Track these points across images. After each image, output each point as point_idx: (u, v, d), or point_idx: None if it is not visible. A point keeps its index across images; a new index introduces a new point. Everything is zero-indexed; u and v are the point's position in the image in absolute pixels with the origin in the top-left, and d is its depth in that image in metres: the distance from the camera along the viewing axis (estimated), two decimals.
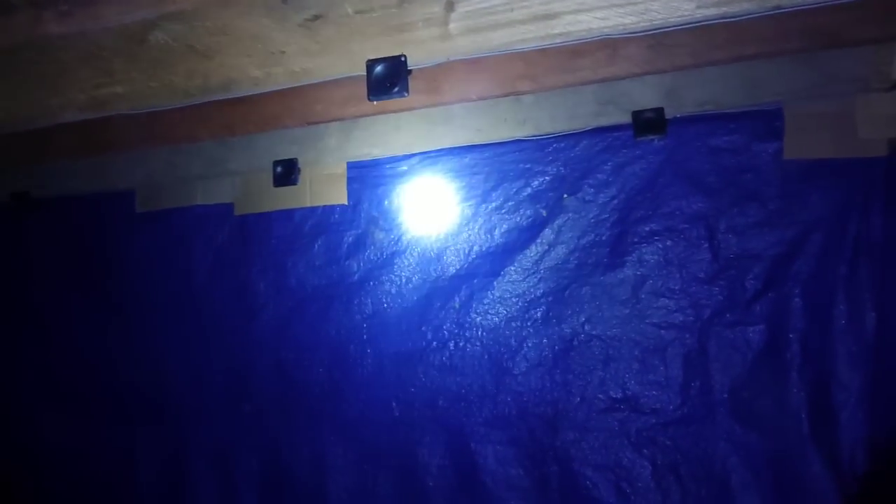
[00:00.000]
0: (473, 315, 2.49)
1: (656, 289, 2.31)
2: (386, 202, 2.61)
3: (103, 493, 2.94)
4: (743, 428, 2.20)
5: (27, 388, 3.10)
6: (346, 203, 2.65)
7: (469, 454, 2.44)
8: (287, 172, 2.56)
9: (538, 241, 2.43)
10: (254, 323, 2.75)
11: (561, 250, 2.41)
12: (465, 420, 2.46)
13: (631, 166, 2.33)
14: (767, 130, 2.18)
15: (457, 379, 2.49)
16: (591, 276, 2.38)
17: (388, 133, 2.48)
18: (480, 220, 2.49)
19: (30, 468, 3.07)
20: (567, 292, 2.40)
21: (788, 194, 2.17)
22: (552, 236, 2.42)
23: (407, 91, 1.53)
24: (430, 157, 2.53)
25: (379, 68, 1.52)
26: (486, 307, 2.48)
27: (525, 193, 2.45)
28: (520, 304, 2.44)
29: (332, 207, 2.66)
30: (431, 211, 2.55)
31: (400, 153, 2.54)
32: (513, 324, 2.45)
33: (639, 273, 2.33)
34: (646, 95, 2.19)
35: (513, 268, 2.46)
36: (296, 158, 2.58)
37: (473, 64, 1.82)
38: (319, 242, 2.69)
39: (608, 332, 2.36)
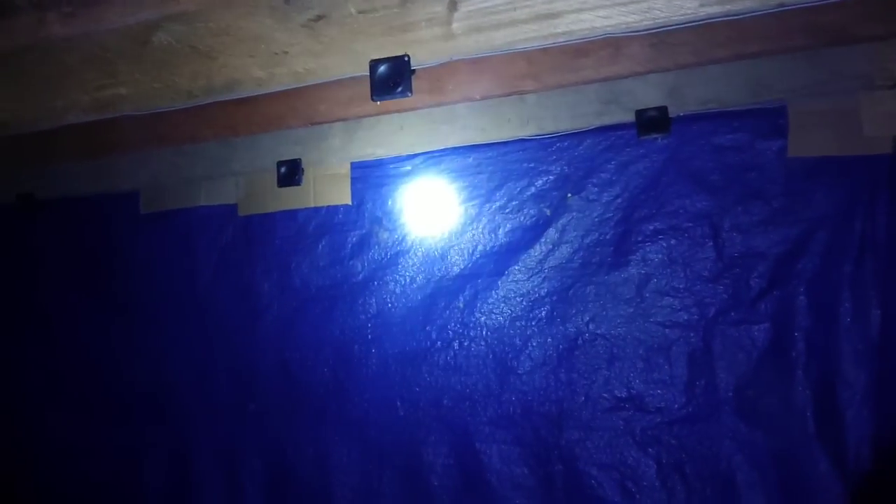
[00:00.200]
0: (478, 314, 2.49)
1: (661, 288, 2.30)
2: (390, 202, 2.61)
3: (108, 494, 2.94)
4: (748, 426, 2.19)
5: (32, 389, 3.11)
6: (349, 203, 2.65)
7: (474, 453, 2.44)
8: (291, 173, 2.56)
9: (542, 240, 2.43)
10: (258, 323, 2.75)
11: (565, 249, 2.41)
12: (469, 419, 2.46)
13: (634, 165, 2.33)
14: (771, 128, 2.17)
15: (461, 378, 2.49)
16: (595, 276, 2.37)
17: (391, 133, 2.48)
18: (484, 220, 2.49)
19: (35, 468, 3.08)
20: (571, 291, 2.40)
21: (793, 192, 2.16)
22: (556, 235, 2.41)
23: (410, 91, 1.53)
24: (434, 156, 2.53)
25: (382, 68, 1.52)
26: (491, 307, 2.48)
27: (529, 193, 2.44)
28: (524, 303, 2.44)
29: (336, 208, 2.67)
30: (435, 211, 2.55)
31: (403, 153, 2.54)
32: (517, 323, 2.45)
33: (643, 272, 2.32)
34: (649, 94, 2.19)
35: (517, 267, 2.45)
36: (299, 159, 2.58)
37: (476, 63, 1.82)
38: (323, 243, 2.69)
39: (613, 331, 2.35)
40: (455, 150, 2.50)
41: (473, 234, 2.52)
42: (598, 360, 2.36)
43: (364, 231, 2.64)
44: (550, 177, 2.42)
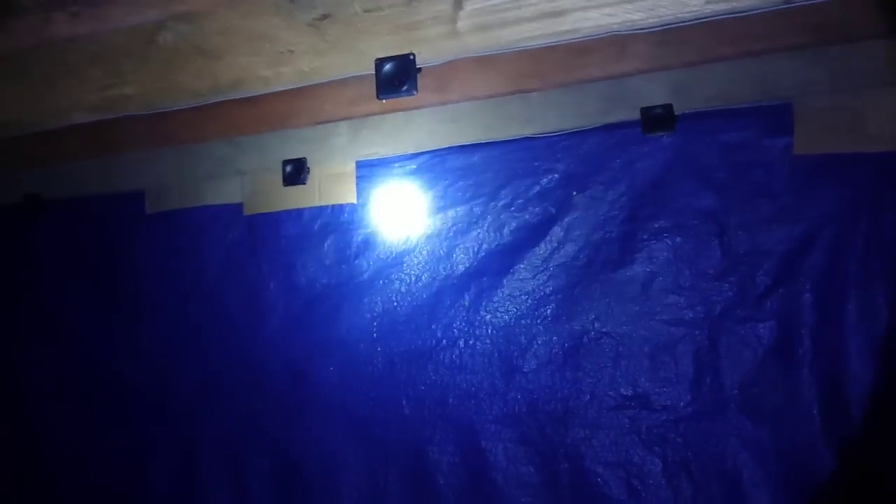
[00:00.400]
0: (483, 313, 2.49)
1: (666, 285, 2.30)
2: (395, 201, 2.61)
3: (115, 493, 2.95)
4: (754, 424, 2.19)
5: (38, 388, 3.12)
6: (355, 202, 2.65)
7: (479, 452, 2.44)
8: (296, 172, 2.57)
9: (547, 238, 2.43)
10: (264, 322, 2.75)
11: (570, 248, 2.40)
12: (475, 418, 2.46)
13: (640, 163, 2.32)
14: (777, 126, 2.16)
15: (467, 377, 2.49)
16: (600, 274, 2.37)
17: (396, 131, 2.48)
18: (489, 218, 2.49)
19: (40, 467, 3.09)
20: (577, 290, 2.39)
21: (799, 190, 2.15)
22: (561, 234, 2.41)
23: (416, 89, 1.53)
24: (439, 155, 2.53)
25: (388, 67, 1.52)
26: (496, 305, 2.48)
27: (534, 191, 2.44)
28: (529, 301, 2.44)
29: (342, 206, 2.67)
30: (440, 209, 2.55)
31: (408, 151, 2.54)
32: (522, 321, 2.44)
33: (648, 270, 2.32)
34: (654, 92, 2.18)
35: (522, 265, 2.45)
36: (305, 158, 2.58)
37: (481, 62, 1.82)
38: (329, 241, 2.69)
39: (618, 330, 2.35)
40: (460, 149, 2.50)
41: (478, 233, 2.52)
42: (604, 359, 2.35)
43: (369, 230, 2.65)
44: (555, 175, 2.41)
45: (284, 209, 2.74)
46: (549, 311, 2.43)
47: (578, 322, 2.39)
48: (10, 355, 3.19)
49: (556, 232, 2.42)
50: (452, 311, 2.53)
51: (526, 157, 2.44)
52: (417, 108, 2.14)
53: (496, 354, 2.47)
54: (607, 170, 2.35)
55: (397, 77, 1.54)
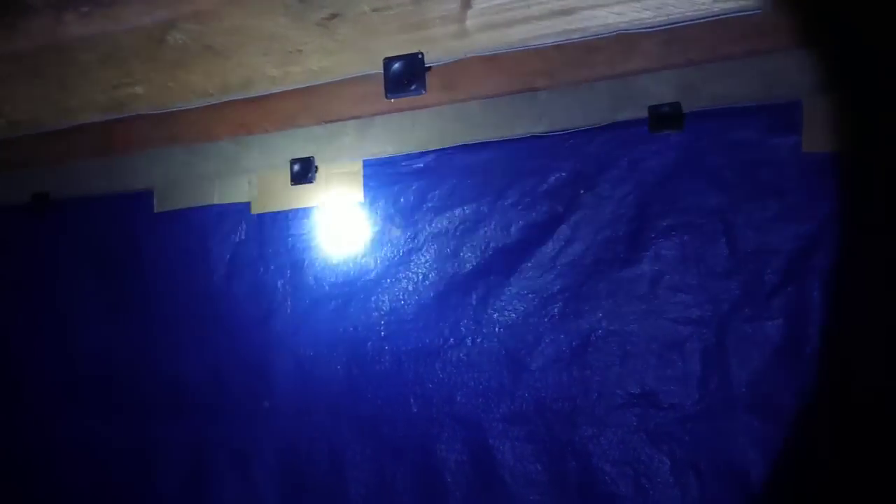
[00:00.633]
0: (490, 311, 2.49)
1: (674, 284, 2.30)
2: (402, 199, 2.62)
3: (123, 490, 2.97)
4: (762, 423, 2.19)
5: (47, 387, 3.14)
6: (362, 201, 2.66)
7: (487, 450, 2.44)
8: (304, 171, 2.58)
9: (554, 237, 2.43)
10: (272, 320, 2.76)
11: (577, 246, 2.41)
12: (482, 416, 2.46)
13: (647, 161, 2.32)
14: (785, 124, 2.16)
15: (474, 375, 2.49)
16: (608, 272, 2.37)
17: (403, 130, 2.48)
18: (497, 217, 2.49)
19: (49, 465, 3.11)
20: (584, 288, 2.39)
21: (807, 188, 2.15)
22: (569, 232, 2.41)
23: (424, 88, 1.54)
24: (446, 153, 2.53)
25: (396, 66, 1.53)
26: (503, 304, 2.48)
27: (541, 189, 2.44)
28: (537, 300, 2.44)
29: (349, 205, 2.67)
30: (447, 208, 2.56)
31: (416, 150, 2.54)
32: (530, 320, 2.45)
33: (656, 268, 2.32)
34: (662, 90, 2.18)
35: (529, 264, 2.45)
36: (312, 157, 2.59)
37: (490, 61, 1.82)
38: (336, 240, 2.70)
39: (625, 328, 2.35)
40: (467, 148, 2.50)
41: (486, 231, 2.52)
42: (611, 357, 2.35)
43: (376, 228, 2.65)
44: (563, 173, 2.41)
45: (292, 208, 2.75)
46: (556, 309, 2.43)
47: (586, 320, 2.39)
48: (19, 354, 3.21)
49: (564, 230, 2.42)
50: (460, 309, 2.53)
51: (533, 155, 2.44)
52: (425, 107, 2.15)
53: (504, 353, 2.47)
54: (615, 168, 2.35)
55: (406, 76, 1.55)
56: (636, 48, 1.86)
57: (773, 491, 2.17)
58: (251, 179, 2.80)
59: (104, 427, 3.01)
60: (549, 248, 2.43)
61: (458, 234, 2.55)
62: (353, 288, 2.67)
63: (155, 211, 2.97)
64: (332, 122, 2.24)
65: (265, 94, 1.78)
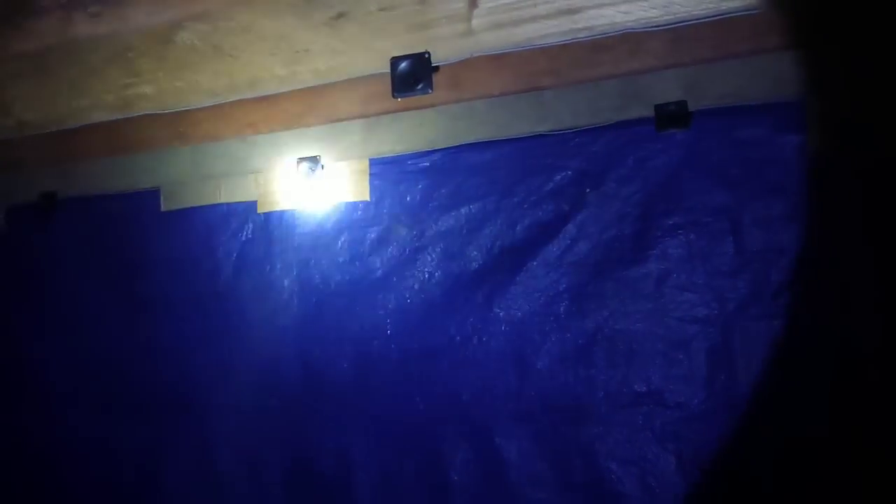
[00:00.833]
0: (496, 310, 2.49)
1: (680, 283, 2.29)
2: (408, 198, 2.62)
3: (130, 489, 2.98)
4: (767, 422, 2.18)
5: (55, 386, 3.15)
6: (368, 199, 2.66)
7: (493, 448, 2.44)
8: (310, 170, 2.58)
9: (560, 236, 2.43)
10: (278, 319, 2.77)
11: (583, 245, 2.41)
12: (489, 415, 2.46)
13: (653, 160, 2.32)
14: (792, 122, 2.16)
15: (480, 374, 2.49)
16: (614, 271, 2.37)
17: (410, 129, 2.49)
18: (503, 216, 2.49)
19: (58, 464, 3.12)
20: (590, 287, 2.39)
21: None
22: (574, 231, 2.41)
23: (431, 87, 1.54)
24: (452, 152, 2.53)
25: (403, 65, 1.54)
26: (509, 302, 2.48)
27: (547, 188, 2.44)
28: (543, 298, 2.44)
29: (355, 204, 2.68)
30: (453, 206, 2.56)
31: (422, 149, 2.54)
32: (536, 319, 2.45)
33: (662, 267, 2.31)
34: (668, 89, 2.18)
35: (535, 263, 2.45)
36: (319, 156, 2.60)
37: (496, 60, 1.83)
38: (343, 239, 2.70)
39: (631, 327, 2.34)
40: (473, 146, 2.50)
41: (491, 230, 2.52)
42: (617, 356, 2.35)
43: (383, 227, 2.65)
44: (569, 172, 2.41)
45: (299, 207, 2.76)
46: (562, 308, 2.43)
47: (592, 319, 2.39)
48: (27, 353, 3.22)
49: (570, 229, 2.42)
50: (466, 308, 2.53)
51: (539, 154, 2.44)
52: (432, 106, 2.15)
53: (510, 352, 2.47)
54: (621, 167, 2.35)
55: (412, 75, 1.56)
56: (642, 47, 1.86)
57: (778, 489, 2.17)
58: (258, 178, 2.81)
59: (111, 425, 3.02)
60: (555, 246, 2.43)
61: (464, 232, 2.55)
62: (360, 287, 2.67)
63: (162, 210, 2.98)
64: (338, 121, 2.24)
65: (272, 93, 1.80)
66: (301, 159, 2.60)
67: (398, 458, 2.57)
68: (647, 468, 2.28)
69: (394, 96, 1.57)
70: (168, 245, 2.98)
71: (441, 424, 2.53)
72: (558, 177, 2.43)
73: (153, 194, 2.98)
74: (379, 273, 2.65)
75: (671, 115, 2.18)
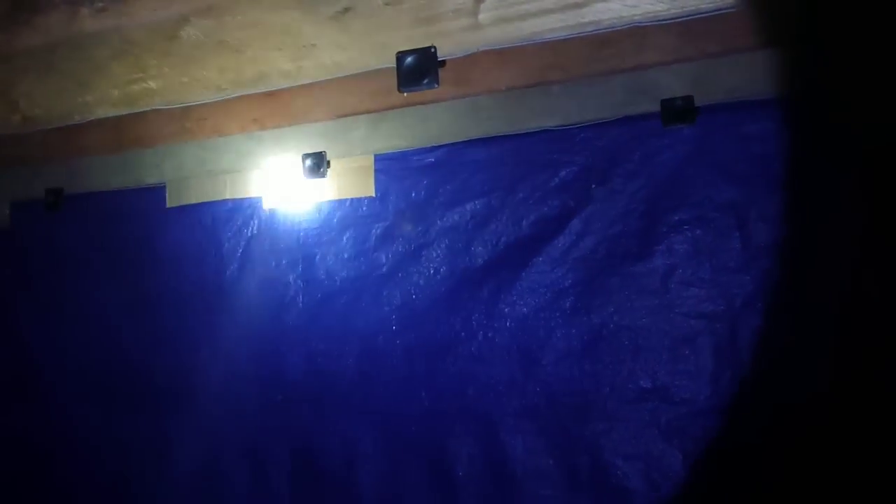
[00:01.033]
0: (502, 306, 2.49)
1: (686, 278, 2.29)
2: (413, 194, 2.62)
3: (138, 482, 2.99)
4: (774, 417, 2.18)
5: (60, 380, 3.16)
6: (373, 195, 2.66)
7: (499, 444, 2.44)
8: (316, 165, 2.58)
9: (566, 231, 2.42)
10: (284, 315, 2.77)
11: (589, 241, 2.40)
12: (494, 410, 2.46)
13: (660, 155, 2.31)
14: (798, 117, 2.14)
15: (486, 369, 2.49)
16: (619, 267, 2.36)
17: (415, 125, 2.49)
18: (508, 211, 2.49)
19: (63, 458, 3.13)
20: (596, 283, 2.39)
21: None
22: (580, 226, 2.41)
23: (437, 82, 1.54)
24: (458, 148, 2.53)
25: (409, 60, 1.53)
26: (515, 298, 2.48)
27: (553, 184, 2.44)
28: (548, 294, 2.44)
29: (360, 200, 2.68)
30: (458, 202, 2.56)
31: (427, 145, 2.54)
32: (541, 314, 2.44)
33: (668, 263, 2.31)
34: (674, 83, 2.17)
35: (541, 258, 2.45)
36: (324, 151, 2.60)
37: (502, 54, 1.82)
38: (348, 235, 2.71)
39: (637, 323, 2.34)
40: (479, 142, 2.50)
41: (497, 226, 2.52)
42: (623, 352, 2.35)
43: (388, 223, 2.65)
44: (575, 167, 2.41)
45: (304, 203, 2.76)
46: (567, 304, 2.42)
47: (597, 315, 2.38)
48: (33, 347, 3.23)
49: (575, 225, 2.41)
50: (471, 303, 2.53)
51: (545, 149, 2.43)
52: (437, 101, 2.15)
53: (515, 347, 2.47)
54: (627, 162, 2.35)
55: (418, 70, 1.55)
56: (649, 41, 1.85)
57: (785, 484, 2.17)
58: (263, 174, 2.81)
59: (116, 418, 3.03)
60: (561, 242, 2.43)
61: (469, 228, 2.54)
62: (365, 282, 2.67)
63: (167, 206, 2.98)
64: (344, 116, 2.24)
65: (278, 88, 1.79)
66: (306, 155, 2.60)
67: (403, 453, 2.57)
68: (652, 464, 2.28)
69: (400, 91, 1.56)
70: (173, 241, 2.98)
71: (446, 420, 2.53)
72: (564, 172, 2.43)
73: (159, 190, 2.99)
74: (384, 269, 2.65)
75: (677, 111, 2.17)
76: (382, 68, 1.63)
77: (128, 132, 2.46)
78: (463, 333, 2.53)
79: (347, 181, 2.68)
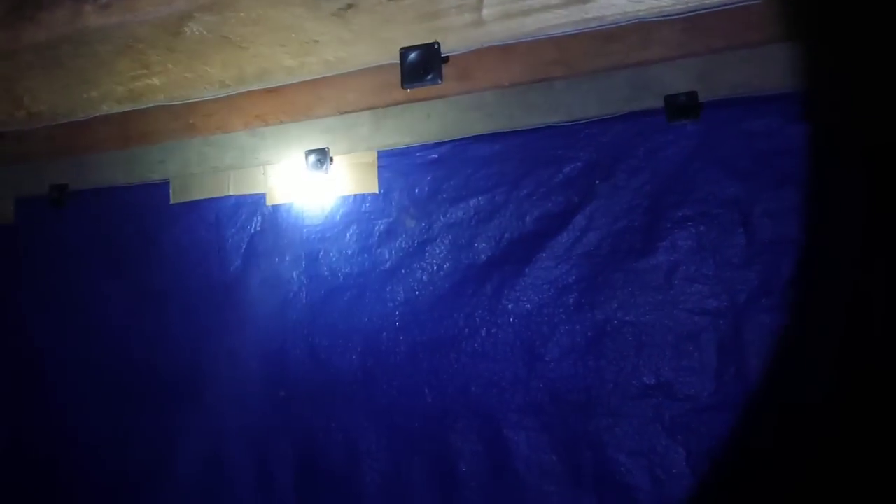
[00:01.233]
0: (505, 302, 2.49)
1: (690, 274, 2.29)
2: (416, 190, 2.62)
3: (142, 478, 3.00)
4: (778, 414, 2.18)
5: (66, 376, 3.17)
6: (377, 192, 2.66)
7: (502, 440, 2.45)
8: (319, 162, 2.58)
9: (570, 227, 2.42)
10: (288, 311, 2.78)
11: (593, 237, 2.40)
12: (497, 406, 2.46)
13: (664, 151, 2.31)
14: (803, 112, 2.14)
15: (489, 366, 2.49)
16: (623, 263, 2.36)
17: (419, 121, 2.48)
18: (512, 207, 2.49)
19: (70, 454, 3.14)
20: (599, 279, 2.39)
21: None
22: (584, 222, 2.41)
23: (441, 78, 1.53)
24: (461, 144, 2.53)
25: (413, 56, 1.53)
26: (518, 294, 2.48)
27: (557, 180, 2.44)
28: (552, 290, 2.44)
29: (364, 196, 2.68)
30: (462, 198, 2.56)
31: (431, 141, 2.54)
32: (545, 310, 2.45)
33: (672, 259, 2.31)
34: (679, 79, 2.17)
35: (544, 254, 2.45)
36: (327, 147, 2.60)
37: (506, 50, 1.81)
38: (351, 231, 2.71)
39: (641, 319, 2.34)
40: (483, 138, 2.50)
41: (501, 222, 2.52)
42: (627, 348, 2.35)
43: (391, 219, 2.66)
44: (579, 163, 2.41)
45: (307, 199, 2.76)
46: (571, 300, 2.42)
47: (601, 311, 2.39)
48: (39, 344, 3.24)
49: (579, 220, 2.42)
50: (475, 299, 2.53)
51: (549, 145, 2.43)
52: (441, 97, 2.14)
53: (518, 343, 2.47)
54: (631, 158, 2.35)
55: (422, 66, 1.55)
56: (654, 36, 1.85)
57: (788, 481, 2.16)
58: (267, 170, 2.81)
59: (121, 415, 3.04)
60: (565, 238, 2.43)
61: (473, 224, 2.55)
62: (368, 279, 2.68)
63: (171, 202, 2.99)
64: (347, 112, 2.23)
65: (281, 84, 1.79)
66: (310, 151, 2.60)
67: (406, 450, 2.58)
68: (656, 460, 2.28)
69: (403, 87, 1.56)
70: (177, 237, 2.99)
71: (449, 416, 2.53)
72: (568, 168, 2.43)
73: (163, 186, 2.99)
74: (387, 265, 2.66)
75: (681, 106, 2.17)
76: (386, 64, 1.62)
77: (132, 128, 2.46)
78: (466, 329, 2.54)
79: (351, 177, 2.69)
